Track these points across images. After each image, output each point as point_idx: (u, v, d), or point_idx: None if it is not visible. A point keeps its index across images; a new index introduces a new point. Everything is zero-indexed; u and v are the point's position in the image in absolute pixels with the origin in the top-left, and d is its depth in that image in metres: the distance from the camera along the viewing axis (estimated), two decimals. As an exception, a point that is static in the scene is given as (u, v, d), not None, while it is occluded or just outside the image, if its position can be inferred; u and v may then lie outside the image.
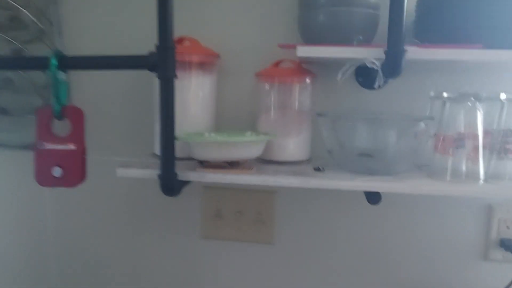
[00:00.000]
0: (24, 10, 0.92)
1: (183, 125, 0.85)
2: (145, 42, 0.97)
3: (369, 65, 0.74)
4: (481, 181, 0.79)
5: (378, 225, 1.00)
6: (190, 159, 0.85)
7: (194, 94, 0.91)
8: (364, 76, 0.93)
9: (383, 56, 0.73)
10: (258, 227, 1.05)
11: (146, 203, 1.07)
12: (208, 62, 0.91)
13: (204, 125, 0.93)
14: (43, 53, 0.96)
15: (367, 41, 0.85)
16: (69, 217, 1.11)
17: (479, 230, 0.97)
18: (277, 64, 0.92)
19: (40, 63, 0.75)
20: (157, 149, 0.93)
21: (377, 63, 0.74)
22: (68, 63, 0.75)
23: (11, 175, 1.10)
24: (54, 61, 0.74)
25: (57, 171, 0.77)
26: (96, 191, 1.08)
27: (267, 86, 0.91)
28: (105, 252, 1.11)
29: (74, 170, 0.78)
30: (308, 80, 0.90)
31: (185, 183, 0.82)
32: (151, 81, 0.90)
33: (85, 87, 1.02)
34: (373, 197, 0.79)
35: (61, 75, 0.75)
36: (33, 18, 0.93)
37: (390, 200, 0.96)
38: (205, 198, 1.05)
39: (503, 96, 0.79)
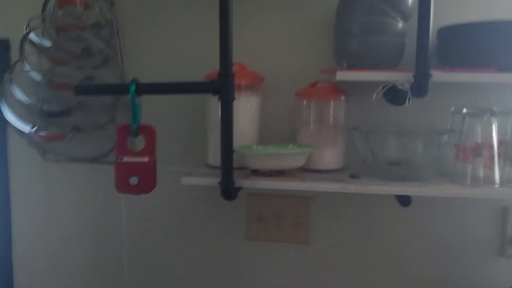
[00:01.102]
0: (94, 41, 1.06)
1: (233, 138, 0.98)
2: (195, 67, 1.12)
3: (399, 86, 0.87)
4: (497, 185, 0.91)
5: (405, 227, 1.11)
6: (242, 168, 0.98)
7: (243, 111, 1.03)
8: (392, 94, 1.05)
9: (412, 79, 0.85)
10: (296, 229, 1.17)
11: (199, 209, 1.20)
12: (254, 84, 1.05)
13: (251, 139, 1.06)
14: (110, 78, 1.12)
15: (394, 65, 0.98)
16: (138, 221, 1.24)
17: (495, 230, 1.08)
18: (314, 84, 1.05)
19: (121, 89, 0.89)
20: (211, 160, 1.06)
21: (407, 85, 0.86)
22: (144, 88, 0.88)
23: (84, 185, 1.24)
24: (133, 87, 0.87)
25: (133, 180, 0.90)
26: (158, 198, 1.21)
27: (305, 104, 1.04)
28: (166, 250, 1.23)
29: (148, 179, 0.91)
30: (342, 98, 1.03)
31: (240, 189, 0.95)
32: (204, 102, 1.04)
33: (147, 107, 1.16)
34: (404, 200, 0.91)
35: (138, 99, 0.89)
36: (101, 47, 1.07)
37: (417, 204, 1.08)
38: (249, 204, 1.17)
39: (514, 111, 0.92)
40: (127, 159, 0.91)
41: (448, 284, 1.11)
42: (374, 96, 0.89)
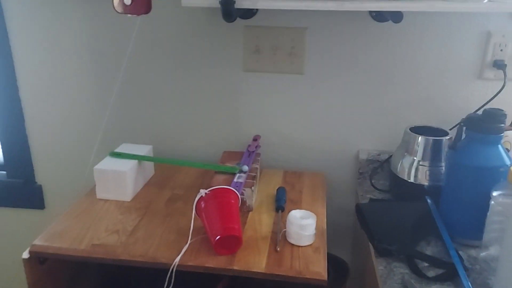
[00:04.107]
0: None
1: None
2: None
3: None
4: (486, 1, 0.95)
5: (394, 47, 1.18)
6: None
7: None
8: None
9: None
10: (291, 60, 1.23)
11: (198, 41, 1.24)
12: None
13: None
14: None
15: None
16: (137, 49, 1.26)
17: (477, 54, 1.16)
18: None
19: None
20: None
21: None
22: None
23: (80, 15, 1.25)
24: None
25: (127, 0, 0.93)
26: (157, 26, 1.23)
27: None
28: (167, 79, 1.29)
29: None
30: None
31: (239, 11, 0.98)
32: None
33: None
34: (396, 17, 0.96)
35: None
36: None
37: (407, 23, 1.14)
38: (246, 37, 1.21)
39: None
40: (124, -23, 0.92)
41: (428, 105, 1.22)
42: None
